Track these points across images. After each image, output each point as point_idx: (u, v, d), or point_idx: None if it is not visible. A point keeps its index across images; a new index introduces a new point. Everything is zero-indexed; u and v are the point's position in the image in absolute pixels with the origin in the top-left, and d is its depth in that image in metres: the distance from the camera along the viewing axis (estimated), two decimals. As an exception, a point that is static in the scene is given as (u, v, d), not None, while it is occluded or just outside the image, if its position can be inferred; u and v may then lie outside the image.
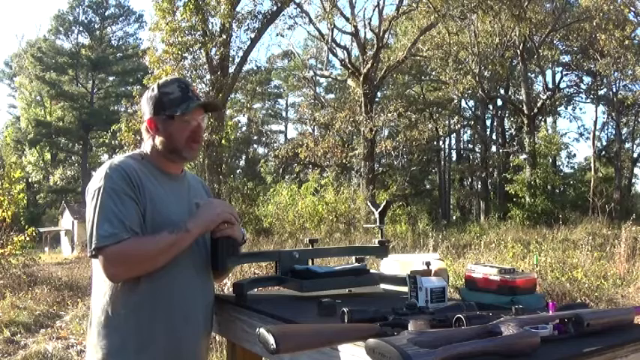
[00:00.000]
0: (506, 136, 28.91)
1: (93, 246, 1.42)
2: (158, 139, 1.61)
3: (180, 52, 15.85)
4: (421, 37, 20.90)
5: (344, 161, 22.31)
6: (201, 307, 1.65)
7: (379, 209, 2.17)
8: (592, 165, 26.18)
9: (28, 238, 9.38)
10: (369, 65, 20.70)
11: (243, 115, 34.72)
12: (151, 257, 1.47)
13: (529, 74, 25.27)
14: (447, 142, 35.09)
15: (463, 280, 1.80)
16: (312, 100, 29.07)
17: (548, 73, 28.35)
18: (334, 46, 22.59)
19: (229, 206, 1.66)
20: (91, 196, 1.49)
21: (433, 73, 27.23)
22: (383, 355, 0.98)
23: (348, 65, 21.93)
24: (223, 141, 16.02)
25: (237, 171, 31.41)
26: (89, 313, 1.60)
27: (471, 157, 34.42)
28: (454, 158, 35.86)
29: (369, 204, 12.04)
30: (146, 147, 1.64)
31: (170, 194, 1.61)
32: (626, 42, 20.52)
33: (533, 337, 1.07)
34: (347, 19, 21.87)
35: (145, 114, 1.64)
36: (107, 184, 1.48)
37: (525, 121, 23.33)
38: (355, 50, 23.63)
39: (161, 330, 1.53)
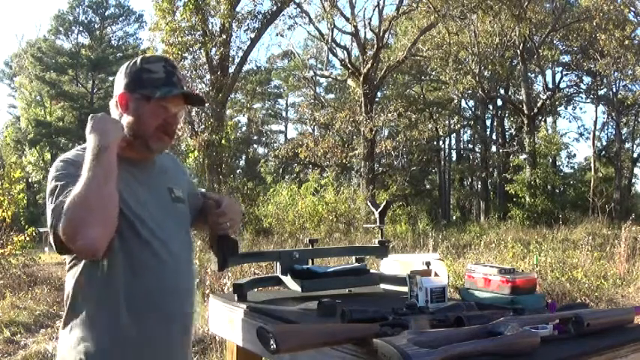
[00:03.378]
0: (506, 136, 28.89)
1: (48, 229, 1.32)
2: (125, 120, 1.42)
3: (180, 52, 15.85)
4: (421, 37, 20.89)
5: (344, 161, 22.30)
6: (184, 299, 1.49)
7: (379, 209, 2.17)
8: (592, 165, 26.17)
9: (28, 238, 9.37)
10: (369, 65, 20.69)
11: (243, 115, 34.75)
12: (90, 195, 1.25)
13: (529, 74, 25.25)
14: (447, 142, 35.09)
15: (463, 280, 1.80)
16: (312, 100, 29.04)
17: (548, 73, 28.36)
18: (334, 46, 22.60)
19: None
20: (47, 194, 1.39)
21: (433, 73, 27.21)
22: (383, 355, 0.99)
23: (348, 65, 21.92)
24: (223, 141, 16.01)
25: (237, 171, 31.35)
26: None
27: (471, 157, 34.40)
28: (454, 158, 35.84)
29: (369, 204, 12.04)
30: None
31: (138, 185, 1.43)
32: (626, 42, 20.50)
33: (533, 337, 1.07)
34: (347, 19, 21.86)
35: (119, 87, 1.46)
36: (55, 175, 1.36)
37: (525, 121, 23.32)
38: (355, 50, 23.64)
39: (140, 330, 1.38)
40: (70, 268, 1.42)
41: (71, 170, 1.33)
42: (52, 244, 1.35)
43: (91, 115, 1.41)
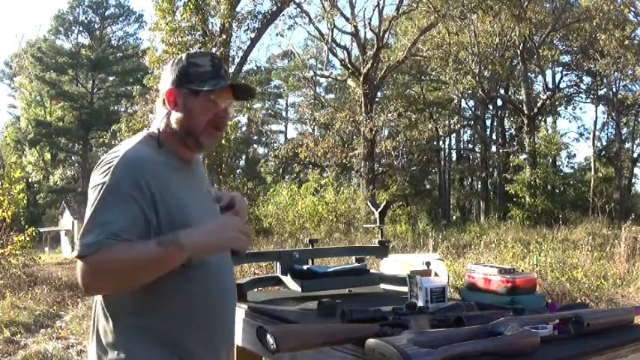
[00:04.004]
0: (506, 136, 28.90)
1: (76, 253, 1.20)
2: (175, 116, 1.36)
3: (180, 52, 15.83)
4: (421, 37, 20.90)
5: (344, 161, 22.31)
6: (232, 311, 1.44)
7: (379, 209, 2.17)
8: (592, 165, 26.17)
9: (28, 238, 9.37)
10: (369, 65, 20.69)
11: (243, 115, 34.69)
12: (129, 269, 1.20)
13: (529, 74, 25.26)
14: (447, 142, 35.10)
15: (463, 280, 1.80)
16: (312, 100, 29.05)
17: (548, 73, 28.37)
18: (334, 46, 22.61)
19: (242, 225, 1.33)
20: (92, 190, 1.26)
21: (433, 73, 27.21)
22: (383, 355, 0.99)
23: (348, 65, 21.92)
24: (223, 141, 16.01)
25: (237, 171, 31.36)
26: (93, 323, 1.35)
27: (471, 157, 34.40)
28: (454, 158, 35.85)
29: (369, 204, 12.05)
30: (159, 124, 1.38)
31: (188, 190, 1.36)
32: (626, 42, 20.51)
33: (533, 337, 1.07)
34: (347, 19, 21.87)
35: (165, 84, 1.39)
36: (111, 182, 1.23)
37: (525, 121, 23.32)
38: (355, 50, 23.65)
39: (198, 343, 1.31)
40: None
41: (127, 187, 1.24)
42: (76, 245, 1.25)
43: (225, 222, 1.33)
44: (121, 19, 42.23)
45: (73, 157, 42.92)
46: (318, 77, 29.60)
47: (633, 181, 29.88)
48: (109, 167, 1.26)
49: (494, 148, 28.72)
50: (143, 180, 1.25)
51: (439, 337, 1.04)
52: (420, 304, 1.53)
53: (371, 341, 1.03)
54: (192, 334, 1.30)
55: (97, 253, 1.17)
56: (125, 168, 1.26)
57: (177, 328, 1.29)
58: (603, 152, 28.84)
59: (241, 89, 1.47)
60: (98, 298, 1.32)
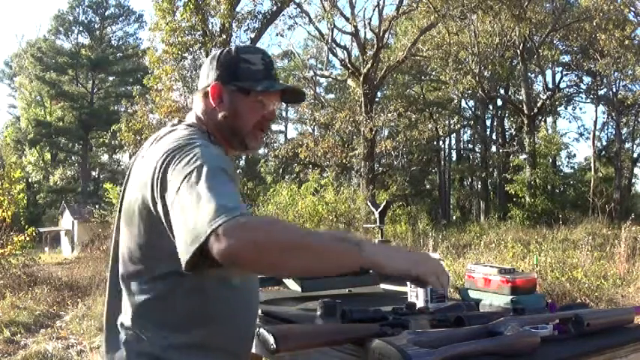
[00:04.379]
0: (506, 136, 28.90)
1: (217, 222, 0.92)
2: (220, 114, 1.26)
3: (180, 52, 15.87)
4: (421, 37, 20.89)
5: (344, 161, 22.30)
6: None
7: (379, 209, 2.17)
8: (592, 165, 26.18)
9: (28, 238, 9.37)
10: (369, 65, 20.69)
11: (243, 115, 34.66)
12: (293, 247, 0.98)
13: (529, 74, 25.27)
14: (447, 142, 35.10)
15: (463, 280, 1.80)
16: (312, 100, 29.04)
17: (548, 73, 28.38)
18: (334, 46, 22.59)
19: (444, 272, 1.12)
20: (181, 175, 1.03)
21: (433, 73, 27.22)
22: (383, 355, 0.99)
23: (348, 65, 21.92)
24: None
25: (238, 171, 31.36)
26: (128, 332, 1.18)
27: (471, 157, 34.41)
28: (454, 158, 35.85)
29: (369, 204, 12.04)
30: (203, 118, 1.28)
31: None
32: (626, 42, 20.51)
33: (533, 337, 1.07)
34: (347, 19, 21.86)
35: (208, 77, 1.28)
36: (214, 163, 1.06)
37: (525, 121, 23.33)
38: (355, 50, 23.63)
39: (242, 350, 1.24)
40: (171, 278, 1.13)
41: (230, 167, 1.10)
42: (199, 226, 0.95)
43: (427, 256, 1.16)
44: (121, 19, 42.25)
45: (73, 157, 42.93)
46: (318, 77, 29.58)
47: (633, 181, 29.92)
48: (198, 145, 1.11)
49: (494, 148, 28.72)
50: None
51: (439, 337, 1.04)
52: (420, 304, 1.53)
53: (371, 341, 1.03)
54: (238, 342, 1.22)
55: (248, 217, 0.97)
56: (217, 148, 1.17)
57: (228, 336, 1.19)
58: (603, 152, 28.84)
59: (292, 92, 1.38)
60: (136, 309, 1.17)
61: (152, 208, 1.10)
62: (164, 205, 1.06)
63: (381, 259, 1.03)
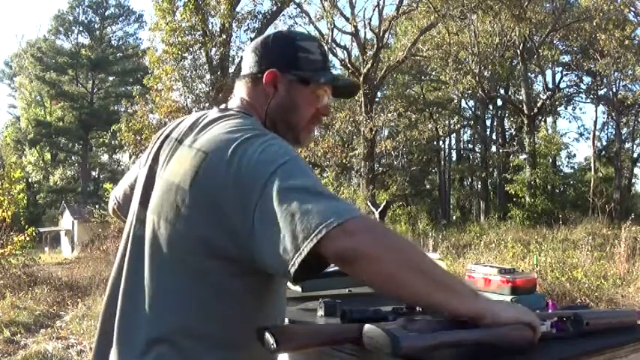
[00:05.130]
0: (506, 136, 28.92)
1: (345, 216, 0.86)
2: (275, 103, 1.15)
3: (180, 52, 15.87)
4: (421, 37, 20.90)
5: (344, 161, 22.30)
6: None
7: (379, 209, 2.17)
8: (592, 165, 26.18)
9: (28, 238, 9.38)
10: (369, 65, 20.70)
11: (244, 115, 34.70)
12: (420, 268, 0.92)
13: (529, 74, 25.28)
14: (447, 142, 35.12)
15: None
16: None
17: (548, 73, 28.40)
18: (334, 46, 22.59)
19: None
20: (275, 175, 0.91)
21: (433, 73, 27.23)
22: (371, 338, 0.98)
23: (348, 65, 21.93)
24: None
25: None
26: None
27: (471, 157, 34.42)
28: (454, 158, 35.88)
29: (369, 204, 12.04)
30: (258, 108, 1.16)
31: None
32: (626, 42, 20.52)
33: (527, 330, 1.06)
34: (347, 19, 21.89)
35: (259, 63, 1.17)
36: (299, 159, 0.98)
37: (525, 121, 23.34)
38: (355, 50, 23.66)
39: None
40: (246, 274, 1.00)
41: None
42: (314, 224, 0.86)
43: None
44: (121, 19, 42.28)
45: (73, 157, 42.95)
46: (318, 77, 29.61)
47: (633, 181, 29.93)
48: (286, 148, 1.00)
49: (494, 148, 28.73)
50: None
51: (432, 324, 1.03)
52: (420, 304, 1.53)
53: (363, 326, 1.03)
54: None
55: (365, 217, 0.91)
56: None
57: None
58: (603, 152, 28.85)
59: (347, 87, 1.28)
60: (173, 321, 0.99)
61: (219, 202, 0.95)
62: (246, 207, 0.92)
63: (496, 308, 0.98)
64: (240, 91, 1.19)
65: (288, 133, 1.15)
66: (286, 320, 1.38)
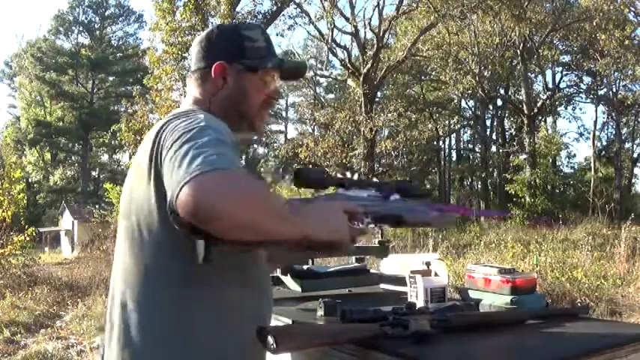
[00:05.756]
0: (506, 136, 28.91)
1: (194, 172, 0.87)
2: (224, 94, 1.17)
3: (180, 52, 15.85)
4: (421, 37, 20.89)
5: (344, 161, 22.31)
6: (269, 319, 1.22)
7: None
8: (592, 165, 26.17)
9: (28, 238, 9.39)
10: (369, 65, 20.69)
11: (243, 115, 34.69)
12: (267, 212, 0.91)
13: (529, 74, 25.26)
14: (447, 142, 35.13)
15: (463, 280, 1.80)
16: (312, 100, 29.07)
17: (548, 73, 28.38)
18: (334, 46, 22.60)
19: None
20: (179, 135, 0.98)
21: (433, 73, 27.22)
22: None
23: (348, 65, 21.92)
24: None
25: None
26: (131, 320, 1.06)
27: (471, 157, 34.43)
28: (454, 158, 35.88)
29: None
30: (205, 101, 1.18)
31: None
32: (626, 42, 20.51)
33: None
34: (347, 19, 21.88)
35: (206, 57, 1.19)
36: (212, 126, 1.01)
37: (525, 121, 23.33)
38: (355, 50, 23.65)
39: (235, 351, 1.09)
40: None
41: (232, 139, 1.03)
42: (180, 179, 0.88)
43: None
44: (121, 19, 42.26)
45: (73, 157, 42.94)
46: (318, 77, 29.63)
47: (633, 181, 29.91)
48: (202, 114, 1.05)
49: (494, 148, 28.73)
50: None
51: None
52: (420, 304, 1.53)
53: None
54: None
55: (227, 170, 0.90)
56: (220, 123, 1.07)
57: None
58: (603, 152, 28.84)
59: (292, 69, 1.30)
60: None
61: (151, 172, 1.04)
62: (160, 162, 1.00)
63: (320, 235, 1.00)
64: (191, 88, 1.22)
65: (242, 122, 1.19)
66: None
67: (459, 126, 33.38)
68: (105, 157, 43.17)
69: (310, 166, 24.84)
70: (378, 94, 24.97)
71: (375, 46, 20.95)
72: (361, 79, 20.60)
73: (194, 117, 1.04)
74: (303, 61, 1.29)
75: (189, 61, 1.26)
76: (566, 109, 31.31)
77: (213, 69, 1.17)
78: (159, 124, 1.09)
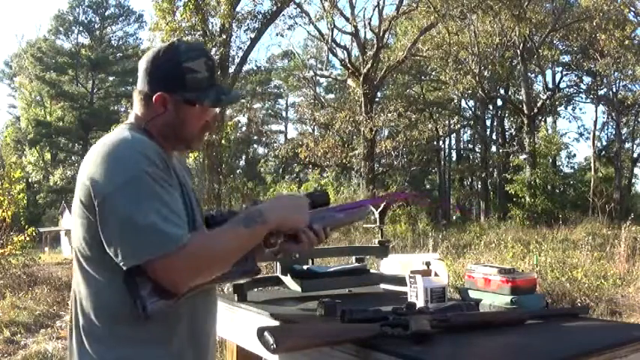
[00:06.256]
0: (506, 136, 28.89)
1: (158, 252, 1.05)
2: (164, 120, 1.23)
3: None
4: (421, 37, 20.89)
5: (344, 161, 22.31)
6: (214, 323, 1.33)
7: (379, 209, 2.17)
8: (592, 165, 26.16)
9: (28, 238, 9.37)
10: (369, 65, 20.69)
11: (243, 115, 34.74)
12: (223, 258, 1.13)
13: (529, 74, 25.25)
14: (447, 142, 35.10)
15: (463, 280, 1.80)
16: (312, 100, 29.07)
17: (548, 73, 28.36)
18: (334, 46, 22.59)
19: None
20: (116, 190, 1.09)
21: (433, 73, 27.22)
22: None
23: (348, 65, 21.92)
24: (223, 141, 16.01)
25: (237, 171, 31.37)
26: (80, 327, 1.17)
27: (471, 157, 34.42)
28: (454, 158, 35.87)
29: (369, 204, 12.02)
30: (140, 120, 1.26)
31: (189, 189, 1.28)
32: (626, 42, 20.51)
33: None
34: (347, 19, 21.89)
35: (151, 84, 1.25)
36: (146, 169, 1.11)
37: (525, 121, 23.32)
38: (355, 50, 23.65)
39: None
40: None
41: (162, 171, 1.14)
42: (137, 249, 1.07)
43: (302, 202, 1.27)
44: (121, 19, 42.23)
45: (73, 157, 42.90)
46: (318, 77, 29.62)
47: (633, 181, 29.88)
48: (134, 153, 1.14)
49: (494, 148, 28.71)
50: (168, 163, 1.18)
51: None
52: (420, 304, 1.53)
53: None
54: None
55: (185, 247, 1.06)
56: (151, 150, 1.16)
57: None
58: (603, 152, 28.83)
59: (228, 103, 1.42)
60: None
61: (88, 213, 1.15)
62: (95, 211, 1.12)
63: (281, 222, 1.21)
64: (135, 105, 1.29)
65: (179, 144, 1.29)
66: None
67: (458, 126, 33.37)
68: (105, 158, 43.10)
69: (310, 166, 24.85)
70: (378, 94, 24.98)
71: (375, 46, 20.95)
72: (361, 79, 20.59)
73: (121, 164, 1.12)
74: (237, 94, 1.41)
75: (138, 77, 1.32)
76: (566, 109, 31.32)
77: (154, 97, 1.23)
78: (87, 162, 1.18)
